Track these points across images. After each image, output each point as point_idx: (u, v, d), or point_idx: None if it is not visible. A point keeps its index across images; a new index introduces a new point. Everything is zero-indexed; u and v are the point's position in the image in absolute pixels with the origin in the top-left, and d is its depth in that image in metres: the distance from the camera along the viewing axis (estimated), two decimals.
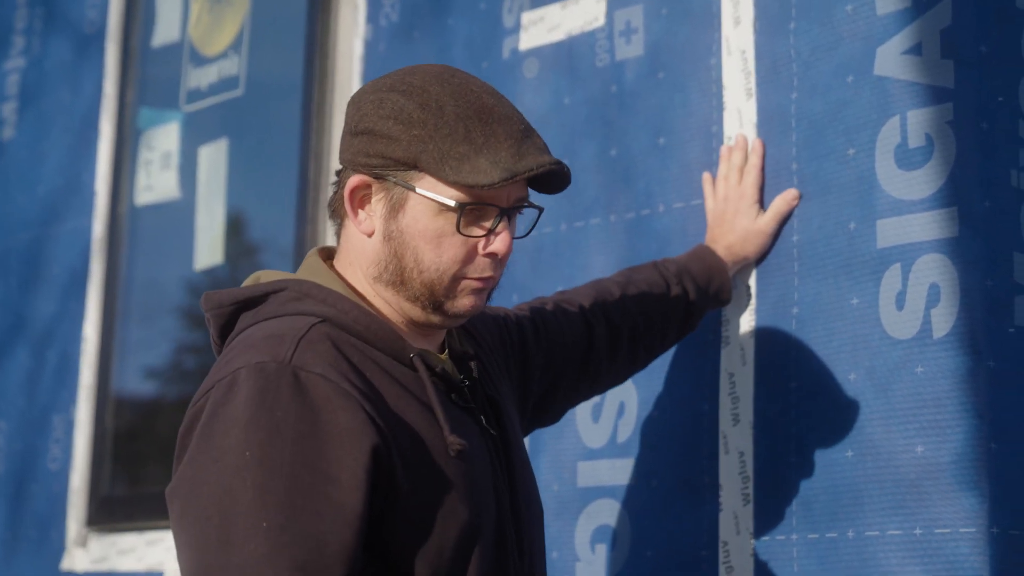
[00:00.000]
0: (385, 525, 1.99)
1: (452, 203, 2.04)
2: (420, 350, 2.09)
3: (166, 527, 3.69)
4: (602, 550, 2.75)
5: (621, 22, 2.88)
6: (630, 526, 2.71)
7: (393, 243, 2.08)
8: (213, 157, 3.91)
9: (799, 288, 2.53)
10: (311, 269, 2.15)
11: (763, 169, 2.61)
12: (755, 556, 2.52)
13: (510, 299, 2.98)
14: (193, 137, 3.99)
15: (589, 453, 2.80)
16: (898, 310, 2.38)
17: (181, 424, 2.04)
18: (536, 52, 3.05)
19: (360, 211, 2.10)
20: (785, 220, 2.58)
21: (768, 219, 2.59)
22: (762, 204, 2.60)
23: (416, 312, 2.11)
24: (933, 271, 2.34)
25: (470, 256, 2.08)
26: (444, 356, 2.16)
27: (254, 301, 2.12)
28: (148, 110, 4.15)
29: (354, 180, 2.09)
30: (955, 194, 2.34)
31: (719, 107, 2.69)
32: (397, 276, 2.09)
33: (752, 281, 2.61)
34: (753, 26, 2.66)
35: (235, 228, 3.96)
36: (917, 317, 2.35)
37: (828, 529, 2.43)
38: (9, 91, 4.57)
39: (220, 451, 1.93)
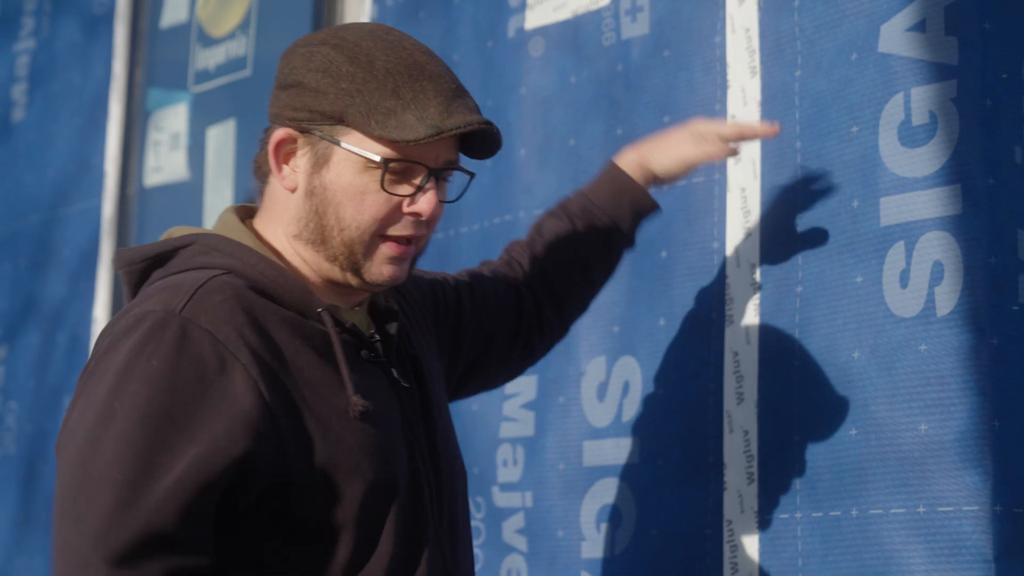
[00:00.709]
0: (287, 490, 1.95)
1: (377, 158, 2.00)
2: (329, 305, 2.04)
3: None
4: (607, 529, 2.75)
5: (627, 0, 2.87)
6: (635, 505, 2.71)
7: (315, 199, 2.04)
8: (221, 138, 3.91)
9: (803, 267, 2.52)
10: (224, 225, 2.11)
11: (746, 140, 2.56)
12: (759, 535, 2.52)
13: None
14: (202, 118, 4.00)
15: (594, 432, 2.80)
16: (902, 288, 2.37)
17: None
18: (542, 31, 3.04)
19: (284, 166, 2.06)
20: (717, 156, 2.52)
21: (695, 151, 2.49)
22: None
23: (335, 272, 2.06)
24: (936, 249, 2.33)
25: (392, 215, 2.03)
26: (358, 310, 2.12)
27: (164, 257, 2.08)
28: (157, 91, 4.16)
29: (280, 133, 2.05)
30: (959, 171, 2.33)
31: (723, 85, 2.68)
32: (317, 234, 2.04)
33: (756, 260, 2.60)
34: (757, 4, 2.65)
35: None
36: (921, 295, 2.35)
37: (832, 508, 2.43)
38: (19, 73, 4.58)
39: (93, 399, 1.91)
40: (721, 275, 2.64)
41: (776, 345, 2.55)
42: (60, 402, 4.19)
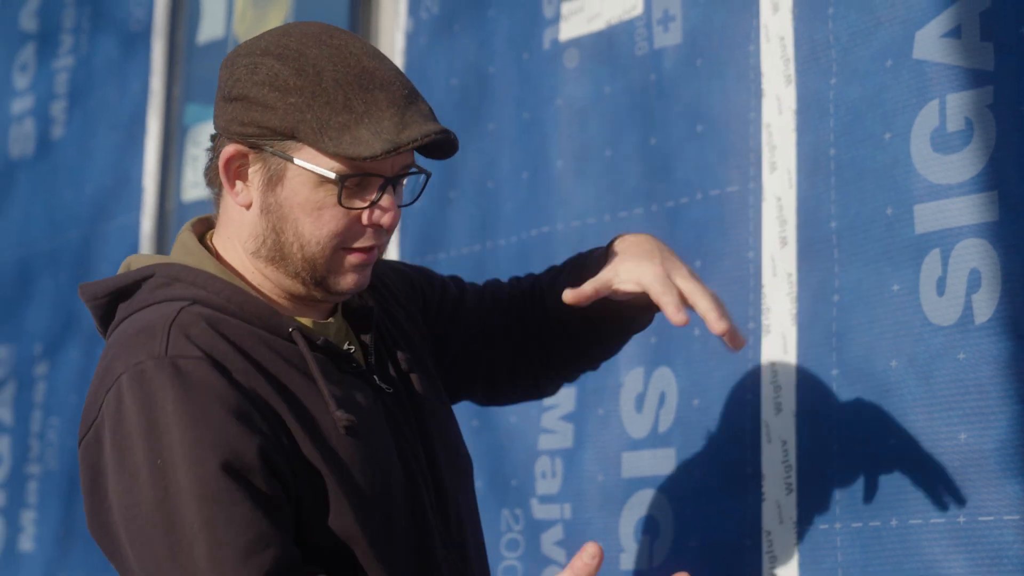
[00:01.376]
0: (297, 511, 1.95)
1: (332, 175, 1.96)
2: (298, 324, 2.02)
3: None
4: (645, 540, 2.74)
5: (659, 10, 2.87)
6: (673, 516, 2.70)
7: (272, 217, 2.00)
8: None
9: (840, 275, 2.51)
10: (184, 248, 2.07)
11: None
12: (798, 545, 2.51)
13: None
14: None
15: (633, 444, 2.79)
16: (939, 296, 2.36)
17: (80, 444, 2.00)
18: (576, 42, 3.04)
19: (237, 182, 2.01)
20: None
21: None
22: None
23: (297, 287, 2.03)
24: (973, 256, 2.31)
25: (352, 227, 2.00)
26: (331, 320, 2.09)
27: (128, 290, 2.05)
28: (194, 106, 4.17)
29: (229, 150, 1.99)
30: (995, 178, 2.31)
31: (757, 94, 2.67)
32: (276, 251, 2.01)
33: (793, 269, 2.59)
34: (792, 12, 2.64)
35: None
36: (958, 303, 2.33)
37: (871, 518, 2.41)
38: (58, 90, 4.60)
39: (134, 469, 1.88)
40: (757, 285, 2.63)
41: (813, 355, 2.53)
42: None
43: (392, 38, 3.49)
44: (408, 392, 2.14)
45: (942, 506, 2.32)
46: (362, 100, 1.96)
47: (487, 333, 2.35)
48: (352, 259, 2.02)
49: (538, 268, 3.00)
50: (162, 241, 4.15)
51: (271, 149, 1.97)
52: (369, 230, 2.01)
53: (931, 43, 2.41)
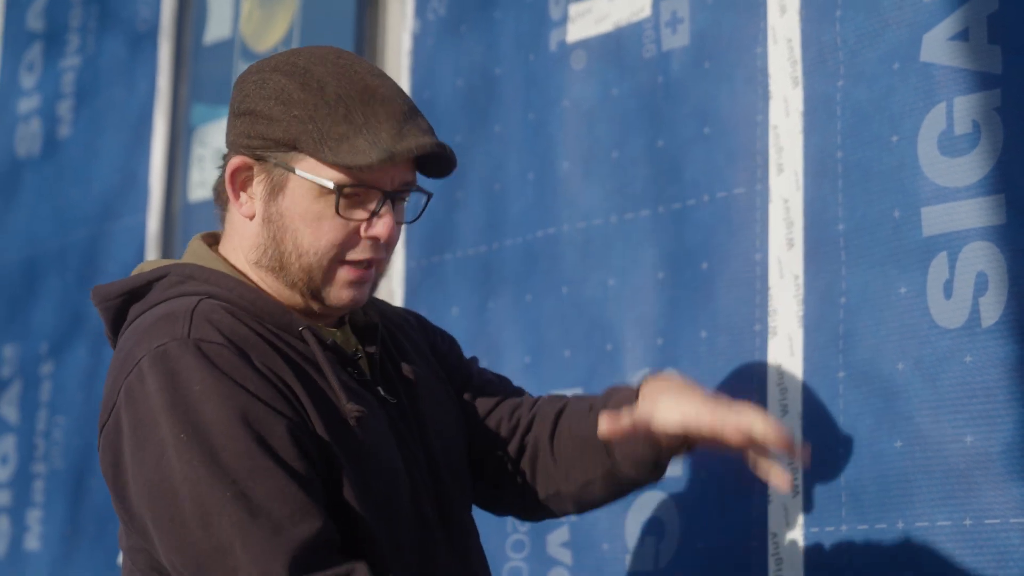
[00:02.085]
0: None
1: (331, 185, 2.00)
2: (309, 324, 2.05)
3: None
4: (652, 542, 2.74)
5: (667, 12, 2.87)
6: (679, 518, 2.70)
7: (273, 226, 2.04)
8: None
9: (847, 277, 2.51)
10: (194, 253, 2.11)
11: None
12: (804, 548, 2.51)
13: (559, 291, 2.97)
14: None
15: None
16: (946, 299, 2.36)
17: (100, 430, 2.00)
18: (584, 44, 3.04)
19: (242, 193, 2.06)
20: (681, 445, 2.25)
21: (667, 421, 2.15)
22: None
23: (296, 299, 2.07)
24: (980, 259, 2.32)
25: (350, 239, 2.03)
26: (337, 331, 2.12)
27: (140, 291, 2.08)
28: (201, 106, 4.17)
29: (235, 162, 2.05)
30: (1002, 181, 2.32)
31: (765, 96, 2.67)
32: (276, 261, 2.05)
33: (800, 271, 2.59)
34: (799, 14, 2.64)
35: None
36: (965, 306, 2.33)
37: (877, 520, 2.41)
38: (65, 89, 4.60)
39: (158, 446, 1.90)
40: (764, 287, 2.63)
41: (820, 357, 2.53)
42: None
43: (399, 39, 3.49)
44: (412, 407, 2.16)
45: (948, 508, 2.32)
46: (361, 112, 2.00)
47: (484, 424, 2.34)
48: (348, 274, 2.05)
49: (544, 268, 3.00)
50: (168, 241, 4.15)
51: (274, 160, 2.02)
52: (367, 243, 2.04)
53: (939, 46, 2.41)
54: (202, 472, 1.88)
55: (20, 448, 4.52)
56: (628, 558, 2.77)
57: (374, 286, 2.11)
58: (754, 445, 2.13)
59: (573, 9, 3.06)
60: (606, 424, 2.09)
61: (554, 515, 2.39)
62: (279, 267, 2.05)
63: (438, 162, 2.06)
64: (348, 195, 2.01)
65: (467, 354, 2.45)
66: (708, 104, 2.77)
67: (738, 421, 2.10)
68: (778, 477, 2.12)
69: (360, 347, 2.14)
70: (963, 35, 2.39)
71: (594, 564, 2.84)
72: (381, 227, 2.03)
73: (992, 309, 2.30)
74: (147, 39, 4.30)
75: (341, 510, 1.98)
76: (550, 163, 3.05)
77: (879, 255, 2.46)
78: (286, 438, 1.91)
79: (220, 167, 2.11)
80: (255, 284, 2.07)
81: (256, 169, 2.04)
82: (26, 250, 4.66)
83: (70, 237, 4.48)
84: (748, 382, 2.63)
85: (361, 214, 2.03)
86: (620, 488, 2.30)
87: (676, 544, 2.70)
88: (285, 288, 2.06)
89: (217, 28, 4.15)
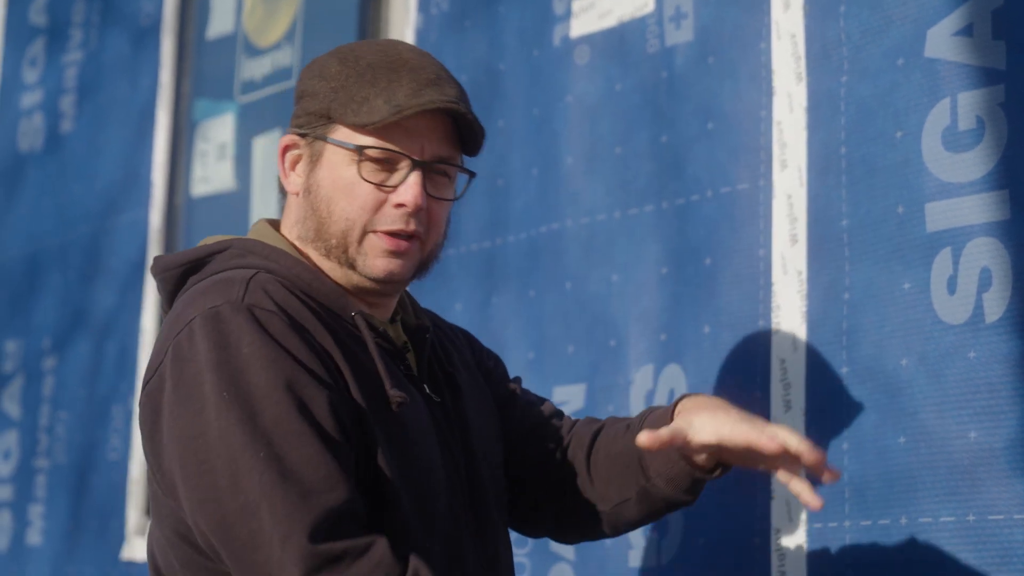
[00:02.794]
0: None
1: (352, 146, 2.04)
2: (361, 309, 2.06)
3: None
4: (654, 538, 2.74)
5: (671, 7, 2.87)
6: (682, 514, 2.69)
7: (312, 196, 2.07)
8: (268, 148, 3.93)
9: (850, 273, 2.51)
10: (257, 232, 2.14)
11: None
12: (807, 543, 2.51)
13: (563, 286, 2.98)
14: (248, 128, 4.01)
15: None
16: (950, 295, 2.35)
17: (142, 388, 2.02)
18: (587, 39, 3.04)
19: (291, 172, 2.11)
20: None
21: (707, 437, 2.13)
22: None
23: (336, 271, 2.08)
24: (984, 255, 2.31)
25: (380, 207, 2.05)
26: (388, 324, 2.13)
27: (200, 263, 2.09)
28: (204, 101, 4.17)
29: (284, 140, 2.11)
30: (1006, 176, 2.31)
31: (769, 92, 2.67)
32: (314, 230, 2.07)
33: (803, 267, 2.59)
34: (803, 9, 2.64)
35: None
36: (969, 302, 2.33)
37: (881, 516, 2.41)
38: (67, 84, 4.61)
39: (199, 401, 1.91)
40: (767, 282, 2.63)
41: (823, 352, 2.53)
42: (109, 412, 4.21)
43: (402, 34, 3.49)
44: (456, 410, 2.16)
45: (952, 504, 2.32)
46: (386, 77, 2.04)
47: (526, 444, 2.34)
48: (380, 241, 2.06)
49: (547, 264, 3.00)
50: (171, 236, 4.16)
51: (313, 133, 2.07)
52: (396, 212, 2.05)
53: (943, 41, 2.41)
54: (238, 431, 1.89)
55: (22, 443, 4.52)
56: (631, 554, 2.77)
57: (421, 268, 2.11)
58: (787, 463, 2.12)
59: (576, 4, 3.06)
60: (644, 436, 2.08)
61: (589, 537, 2.39)
62: (317, 236, 2.07)
63: (468, 132, 2.07)
64: (372, 158, 2.04)
65: None
66: (712, 100, 2.77)
67: (773, 436, 2.10)
68: (810, 495, 2.11)
69: (409, 343, 2.15)
70: (967, 31, 2.39)
71: (597, 560, 2.84)
72: (406, 193, 2.04)
73: (996, 305, 2.30)
74: (150, 34, 4.30)
75: (376, 488, 1.98)
76: (554, 158, 3.05)
77: (883, 251, 2.46)
78: (326, 408, 1.93)
79: None
80: (314, 265, 2.09)
81: (301, 145, 2.09)
82: (29, 245, 4.66)
83: (73, 232, 4.48)
84: (751, 378, 2.63)
85: (391, 180, 2.05)
86: (655, 508, 2.27)
87: (679, 539, 2.70)
88: (325, 260, 2.08)
89: (220, 23, 4.15)
